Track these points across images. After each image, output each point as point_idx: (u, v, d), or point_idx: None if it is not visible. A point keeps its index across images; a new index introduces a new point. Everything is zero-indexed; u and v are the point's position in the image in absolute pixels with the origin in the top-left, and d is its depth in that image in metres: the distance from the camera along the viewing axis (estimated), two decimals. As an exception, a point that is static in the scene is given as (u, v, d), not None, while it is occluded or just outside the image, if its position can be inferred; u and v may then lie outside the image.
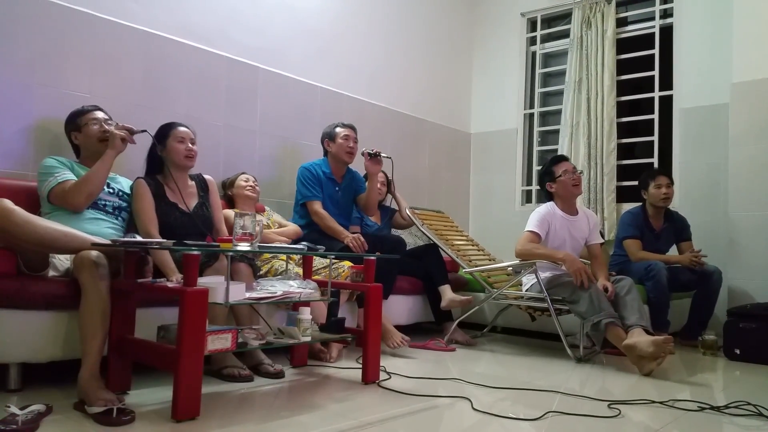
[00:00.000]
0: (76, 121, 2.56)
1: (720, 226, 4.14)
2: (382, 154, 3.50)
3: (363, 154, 3.51)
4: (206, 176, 2.82)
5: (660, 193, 3.80)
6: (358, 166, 3.65)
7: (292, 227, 3.33)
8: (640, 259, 3.72)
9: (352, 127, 3.56)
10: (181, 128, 2.66)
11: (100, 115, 2.57)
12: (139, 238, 2.19)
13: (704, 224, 4.19)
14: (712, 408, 2.17)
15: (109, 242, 2.09)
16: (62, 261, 2.28)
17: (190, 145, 2.64)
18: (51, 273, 2.22)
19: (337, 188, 3.55)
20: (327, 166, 3.53)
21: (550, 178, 3.40)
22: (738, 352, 3.26)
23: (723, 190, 4.18)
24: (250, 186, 3.21)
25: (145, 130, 2.56)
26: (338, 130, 3.52)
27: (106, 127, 2.53)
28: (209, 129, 3.43)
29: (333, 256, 2.60)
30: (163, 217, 2.55)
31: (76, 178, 2.40)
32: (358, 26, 4.44)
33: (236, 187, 3.21)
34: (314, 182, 3.44)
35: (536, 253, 3.20)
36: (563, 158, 3.48)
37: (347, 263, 3.03)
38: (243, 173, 3.27)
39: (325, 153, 3.58)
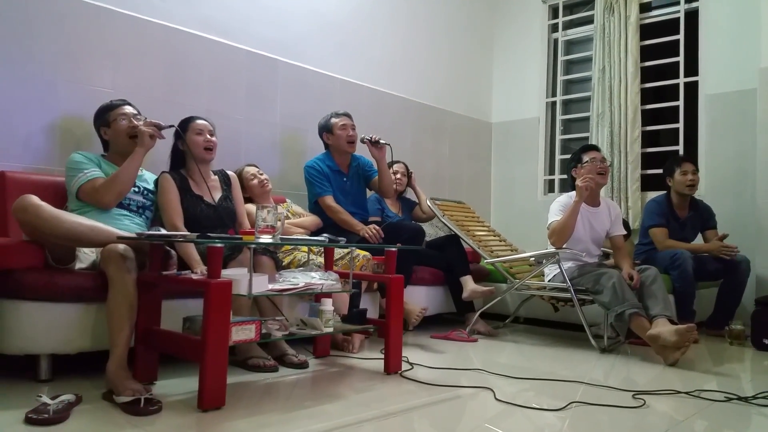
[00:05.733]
0: (104, 117, 2.58)
1: (748, 214, 4.05)
2: (381, 141, 3.42)
3: (363, 141, 3.45)
4: (229, 171, 2.86)
5: (686, 180, 3.73)
6: (363, 151, 3.60)
7: (311, 218, 3.33)
8: (667, 248, 3.65)
9: (347, 115, 3.49)
10: (199, 121, 2.69)
11: (128, 110, 2.59)
12: (163, 231, 2.22)
13: (731, 212, 4.11)
14: (740, 398, 2.14)
15: (134, 235, 2.13)
16: (87, 254, 2.31)
17: (208, 136, 2.67)
18: (78, 265, 2.26)
19: (345, 179, 3.51)
20: (330, 160, 3.48)
21: (576, 163, 3.38)
22: (766, 342, 3.20)
23: (750, 177, 4.09)
24: (261, 181, 3.10)
25: (173, 125, 2.59)
26: (334, 120, 3.45)
27: (135, 122, 2.55)
28: (230, 122, 3.45)
29: (353, 248, 2.60)
30: (190, 209, 2.58)
31: (104, 175, 2.44)
32: (376, 17, 4.43)
33: (244, 180, 3.09)
34: (322, 177, 3.40)
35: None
36: (594, 147, 3.46)
37: (362, 252, 3.00)
38: (248, 165, 3.18)
39: (326, 146, 3.53)
